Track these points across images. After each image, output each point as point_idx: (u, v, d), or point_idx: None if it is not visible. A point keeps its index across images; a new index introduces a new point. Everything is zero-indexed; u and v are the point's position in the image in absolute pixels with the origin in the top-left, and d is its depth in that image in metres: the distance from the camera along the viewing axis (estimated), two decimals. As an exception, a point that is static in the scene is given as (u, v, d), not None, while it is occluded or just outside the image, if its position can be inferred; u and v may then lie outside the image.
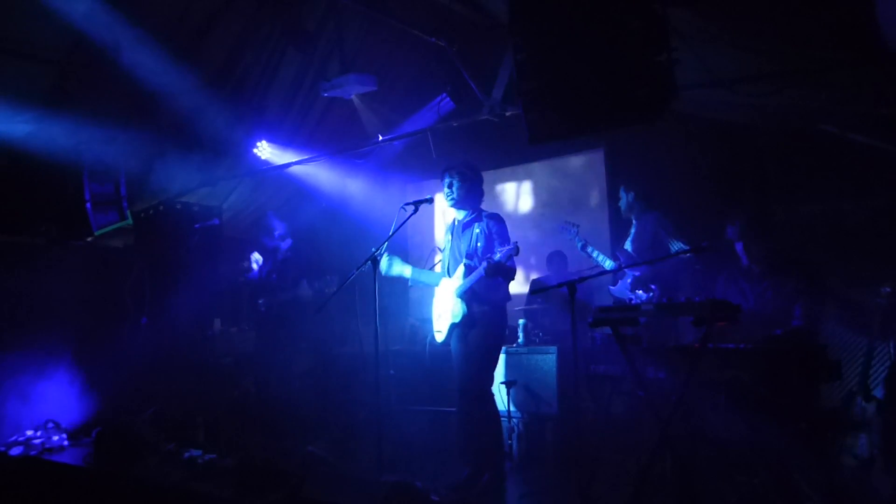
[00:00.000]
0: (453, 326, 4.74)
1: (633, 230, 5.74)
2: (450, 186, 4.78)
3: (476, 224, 4.77)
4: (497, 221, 4.76)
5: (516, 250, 4.36)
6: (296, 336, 6.75)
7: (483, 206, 4.93)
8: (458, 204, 4.82)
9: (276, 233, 6.46)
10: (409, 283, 5.19)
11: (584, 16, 3.77)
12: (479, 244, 4.70)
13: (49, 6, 4.96)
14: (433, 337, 4.98)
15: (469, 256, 4.71)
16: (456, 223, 4.93)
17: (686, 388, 3.58)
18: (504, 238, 4.66)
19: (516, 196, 8.06)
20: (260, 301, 6.53)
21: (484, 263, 4.45)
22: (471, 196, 4.81)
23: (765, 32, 4.11)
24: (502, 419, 5.63)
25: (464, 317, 4.66)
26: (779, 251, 4.36)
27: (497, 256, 4.38)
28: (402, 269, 4.98)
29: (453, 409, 5.99)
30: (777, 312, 4.22)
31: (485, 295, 4.64)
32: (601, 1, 3.75)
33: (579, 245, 5.79)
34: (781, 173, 5.91)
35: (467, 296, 4.65)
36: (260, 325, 6.74)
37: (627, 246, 5.72)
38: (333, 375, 7.10)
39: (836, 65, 4.16)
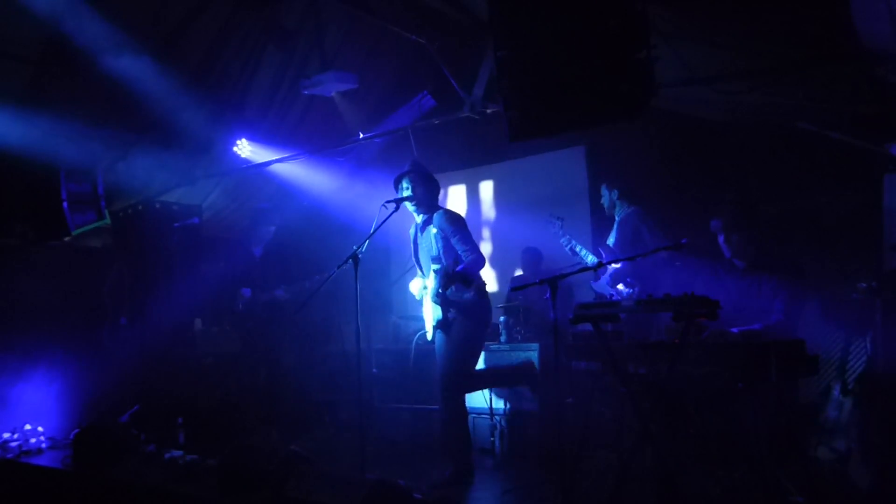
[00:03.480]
0: (434, 328, 4.80)
1: (615, 226, 5.79)
2: (412, 191, 4.77)
3: (429, 225, 4.80)
4: (448, 219, 4.74)
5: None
6: (279, 335, 6.74)
7: (442, 204, 5.02)
8: (420, 207, 4.82)
9: (270, 219, 6.72)
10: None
11: (563, 13, 3.78)
12: (438, 245, 4.73)
13: (23, 3, 4.89)
14: (423, 334, 5.03)
15: (435, 261, 4.75)
16: (416, 226, 4.95)
17: (666, 383, 3.61)
18: (461, 236, 4.69)
19: (496, 194, 8.07)
20: (244, 295, 6.52)
21: (442, 272, 4.60)
22: (429, 196, 4.83)
23: (743, 31, 4.15)
24: (485, 416, 5.67)
25: (439, 320, 4.73)
26: (760, 246, 4.39)
27: (457, 268, 4.57)
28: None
29: (436, 407, 6.01)
30: (759, 308, 4.25)
31: (456, 298, 4.69)
32: (581, -1, 3.77)
33: (563, 240, 5.82)
34: (760, 170, 5.96)
35: (440, 300, 4.68)
36: (241, 325, 6.73)
37: (610, 242, 5.76)
38: (316, 374, 7.09)
39: (812, 63, 4.21)
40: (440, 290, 4.65)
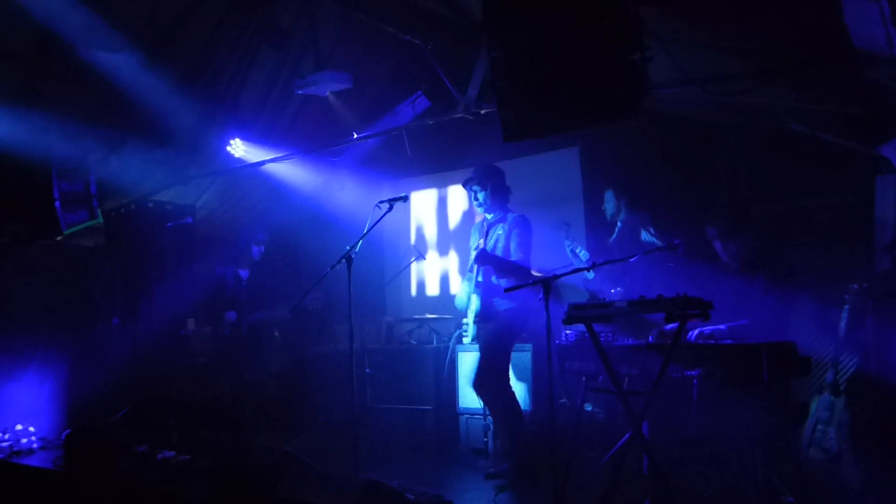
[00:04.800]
0: (475, 321, 4.91)
1: (616, 231, 5.78)
2: (475, 198, 4.95)
3: (500, 225, 4.91)
4: (521, 223, 4.88)
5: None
6: (263, 341, 6.74)
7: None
8: (489, 210, 4.98)
9: (261, 237, 6.72)
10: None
11: (557, 14, 3.78)
12: (499, 244, 4.84)
13: (16, 1, 4.86)
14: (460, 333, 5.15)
15: None
16: (484, 223, 5.05)
17: (658, 384, 3.61)
18: (521, 238, 4.79)
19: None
20: (229, 319, 6.50)
21: (477, 252, 4.71)
22: (497, 198, 4.94)
23: (736, 32, 4.16)
24: (478, 417, 5.67)
25: (478, 313, 4.86)
26: (755, 249, 4.41)
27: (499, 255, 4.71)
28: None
29: (429, 408, 6.01)
30: (751, 308, 4.26)
31: (499, 300, 4.80)
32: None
33: (567, 241, 5.85)
34: (753, 172, 5.98)
35: (481, 289, 4.85)
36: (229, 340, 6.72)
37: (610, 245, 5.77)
38: (309, 374, 7.07)
39: (805, 65, 4.23)
40: (476, 277, 4.80)
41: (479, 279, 4.85)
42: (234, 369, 6.65)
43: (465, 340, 5.08)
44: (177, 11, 5.86)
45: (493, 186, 4.93)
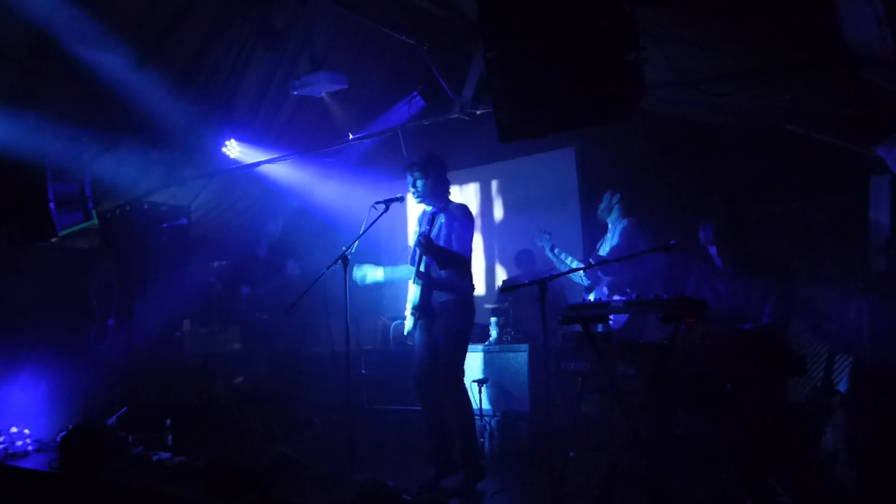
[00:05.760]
0: (413, 313, 4.80)
1: (608, 235, 5.78)
2: (413, 185, 4.86)
3: (443, 214, 4.83)
4: (460, 211, 4.83)
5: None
6: (278, 332, 6.80)
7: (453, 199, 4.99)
8: (424, 200, 4.89)
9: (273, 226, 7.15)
10: (384, 282, 5.22)
11: (553, 14, 3.78)
12: (441, 233, 4.77)
13: (9, 1, 4.85)
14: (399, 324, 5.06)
15: None
16: (424, 214, 4.99)
17: (654, 384, 3.62)
18: (463, 226, 4.73)
19: (486, 195, 8.08)
20: (246, 291, 6.57)
21: (419, 238, 4.58)
22: (436, 189, 4.86)
23: (730, 33, 4.17)
24: (475, 417, 5.66)
25: (416, 305, 4.74)
26: (750, 253, 4.41)
27: (432, 233, 4.59)
28: (375, 275, 5.03)
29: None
30: (749, 311, 4.27)
31: (444, 282, 4.70)
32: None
33: (551, 252, 5.86)
34: (748, 173, 5.99)
35: (422, 279, 4.73)
36: (249, 320, 6.79)
37: (603, 251, 5.75)
38: (305, 375, 7.07)
39: (800, 65, 4.24)
40: (417, 266, 4.69)
41: (421, 269, 4.75)
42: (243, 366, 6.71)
43: (407, 327, 4.92)
44: (171, 13, 5.84)
45: (434, 177, 4.83)
